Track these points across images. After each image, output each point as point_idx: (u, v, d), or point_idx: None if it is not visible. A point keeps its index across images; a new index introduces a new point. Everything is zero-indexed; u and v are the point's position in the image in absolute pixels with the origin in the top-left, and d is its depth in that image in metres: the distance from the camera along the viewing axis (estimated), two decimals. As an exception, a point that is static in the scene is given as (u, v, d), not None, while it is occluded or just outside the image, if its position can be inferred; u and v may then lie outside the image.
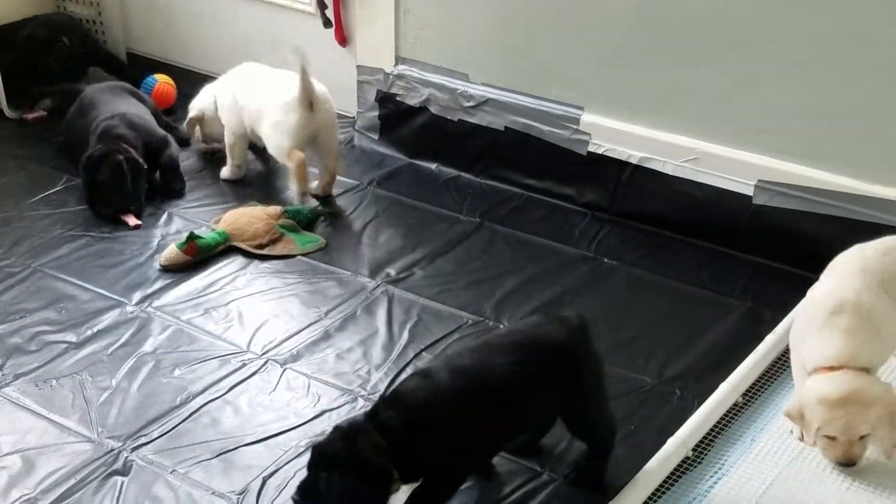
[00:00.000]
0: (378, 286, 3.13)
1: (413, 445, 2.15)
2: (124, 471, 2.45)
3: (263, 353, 2.85)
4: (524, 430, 2.38)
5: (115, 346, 2.86)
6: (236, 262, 3.25)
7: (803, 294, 2.58)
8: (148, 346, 2.86)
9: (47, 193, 3.55)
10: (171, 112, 4.08)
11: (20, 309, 2.99)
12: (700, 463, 2.42)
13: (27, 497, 2.36)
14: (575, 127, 3.44)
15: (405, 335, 2.93)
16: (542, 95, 3.50)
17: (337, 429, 2.16)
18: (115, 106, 3.62)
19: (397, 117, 3.83)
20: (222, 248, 3.28)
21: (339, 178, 3.71)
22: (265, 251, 3.29)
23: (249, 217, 3.37)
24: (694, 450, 2.44)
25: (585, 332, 2.31)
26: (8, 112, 4.02)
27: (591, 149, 3.43)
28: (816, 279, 2.55)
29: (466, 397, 2.19)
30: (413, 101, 3.76)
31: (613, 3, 3.26)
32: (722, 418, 2.53)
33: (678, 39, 3.19)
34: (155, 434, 2.56)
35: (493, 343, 2.30)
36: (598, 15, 3.30)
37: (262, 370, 2.79)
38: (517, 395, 2.21)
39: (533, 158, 3.56)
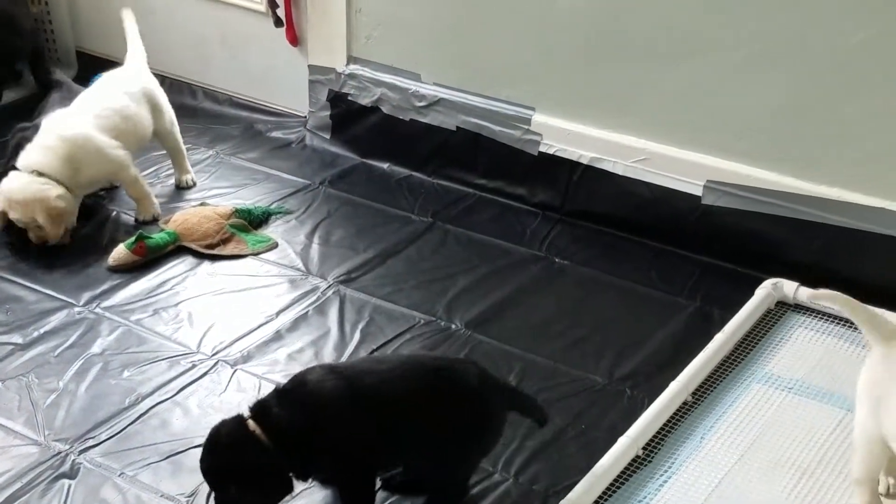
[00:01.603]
0: (330, 286, 3.13)
1: (305, 447, 2.15)
2: (71, 474, 2.42)
3: (214, 354, 2.84)
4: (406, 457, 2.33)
5: (62, 348, 2.83)
6: (186, 262, 3.23)
7: (751, 293, 2.61)
8: (96, 348, 2.84)
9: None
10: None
11: (-35, 311, 2.96)
12: (650, 462, 2.44)
13: (-29, 502, 2.34)
14: (526, 127, 3.46)
15: (357, 335, 2.92)
16: (493, 96, 3.51)
17: (216, 440, 2.16)
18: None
19: (349, 117, 3.82)
20: (172, 249, 3.25)
21: (290, 177, 3.70)
22: (215, 251, 3.27)
23: (199, 217, 3.35)
24: (644, 448, 2.46)
25: (491, 384, 2.32)
26: None
27: (543, 149, 3.44)
28: (764, 279, 2.58)
29: (362, 406, 2.19)
30: (365, 100, 3.75)
31: (564, 5, 3.28)
32: (672, 417, 2.55)
33: (629, 41, 3.21)
34: (103, 436, 2.54)
35: (405, 363, 2.33)
36: (549, 16, 3.32)
37: (212, 371, 2.78)
38: (409, 417, 2.21)
39: (484, 158, 3.57)
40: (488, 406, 2.28)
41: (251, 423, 2.15)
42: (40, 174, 3.18)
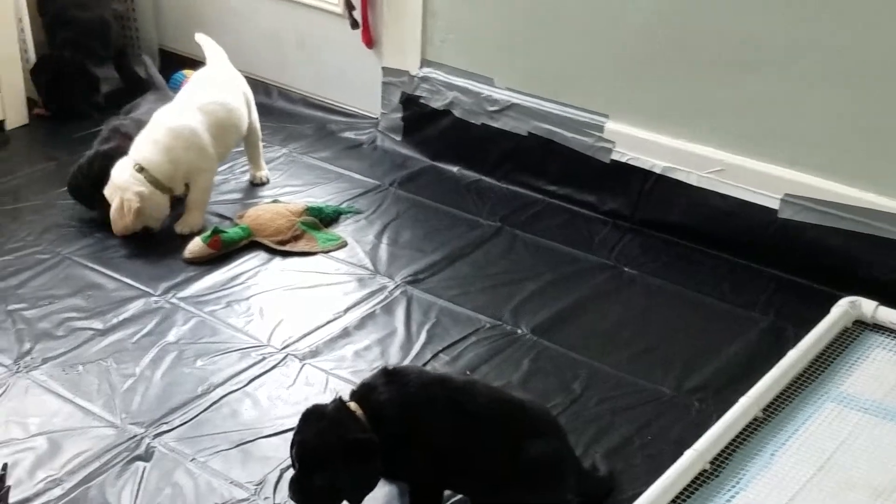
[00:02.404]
0: (397, 286, 3.17)
1: (398, 440, 2.19)
2: (146, 456, 2.49)
3: (283, 348, 2.89)
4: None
5: (139, 335, 2.90)
6: (259, 257, 3.29)
7: (826, 310, 2.57)
8: (171, 337, 2.90)
9: (75, 183, 3.58)
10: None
11: (49, 295, 3.03)
12: (717, 476, 2.42)
13: (52, 478, 2.41)
14: (599, 134, 3.47)
15: (423, 336, 2.96)
16: (566, 102, 3.53)
17: (316, 415, 2.19)
18: (144, 108, 3.65)
19: (421, 119, 3.86)
20: (245, 243, 3.31)
21: (361, 177, 3.75)
22: (287, 247, 3.32)
23: (272, 213, 3.41)
24: (712, 463, 2.44)
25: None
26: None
27: (615, 157, 3.45)
28: (841, 296, 2.53)
29: (459, 418, 2.24)
30: (437, 103, 3.79)
31: (640, 12, 3.29)
32: (741, 432, 2.52)
33: (705, 50, 3.21)
34: (176, 422, 2.60)
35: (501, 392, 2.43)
36: (624, 23, 3.33)
37: (281, 364, 2.83)
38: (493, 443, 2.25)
39: (555, 165, 3.59)
40: (562, 466, 2.31)
41: (353, 405, 2.20)
42: (142, 169, 3.25)
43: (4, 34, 3.81)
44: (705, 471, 2.43)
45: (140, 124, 3.42)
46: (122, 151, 3.34)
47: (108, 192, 3.26)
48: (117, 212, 3.23)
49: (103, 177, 3.30)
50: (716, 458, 2.45)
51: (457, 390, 2.29)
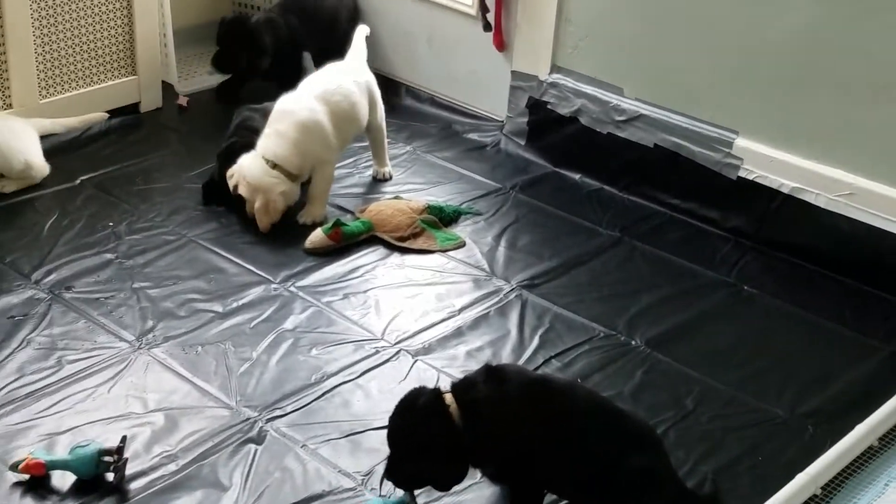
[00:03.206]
0: (512, 289, 3.16)
1: (495, 440, 2.19)
2: (258, 439, 2.54)
3: (397, 343, 2.91)
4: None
5: (257, 321, 2.95)
6: (377, 252, 3.32)
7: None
8: (288, 324, 2.95)
9: (204, 168, 3.66)
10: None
11: (174, 276, 3.12)
12: (828, 503, 2.37)
13: (168, 453, 2.47)
14: (727, 150, 3.41)
15: (536, 340, 2.95)
16: (695, 116, 3.48)
17: (410, 404, 2.22)
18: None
19: (546, 125, 3.86)
20: (365, 237, 3.35)
21: (482, 179, 3.76)
22: (406, 244, 3.35)
23: (393, 209, 3.44)
24: (823, 488, 2.39)
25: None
26: (178, 87, 4.16)
27: (742, 174, 3.39)
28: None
29: (560, 422, 2.22)
30: (564, 110, 3.78)
31: (781, 29, 3.23)
32: (855, 460, 2.47)
33: (845, 70, 3.13)
34: (289, 408, 2.64)
35: (606, 400, 2.38)
36: (761, 41, 3.27)
37: (394, 359, 2.85)
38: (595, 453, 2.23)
39: (680, 178, 3.55)
40: (659, 482, 2.27)
41: (448, 398, 2.21)
42: (274, 165, 3.31)
43: (146, 20, 3.93)
44: (816, 496, 2.38)
45: (265, 114, 3.49)
46: (249, 146, 3.39)
47: (246, 192, 3.32)
48: (263, 212, 3.30)
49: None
50: (828, 484, 2.40)
51: (556, 393, 2.27)
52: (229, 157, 3.41)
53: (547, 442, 2.22)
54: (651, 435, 2.34)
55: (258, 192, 3.30)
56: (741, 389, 2.79)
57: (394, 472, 2.24)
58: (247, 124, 3.53)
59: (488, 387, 2.23)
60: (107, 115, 3.84)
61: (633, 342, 2.96)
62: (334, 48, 3.91)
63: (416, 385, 2.68)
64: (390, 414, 2.26)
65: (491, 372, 2.28)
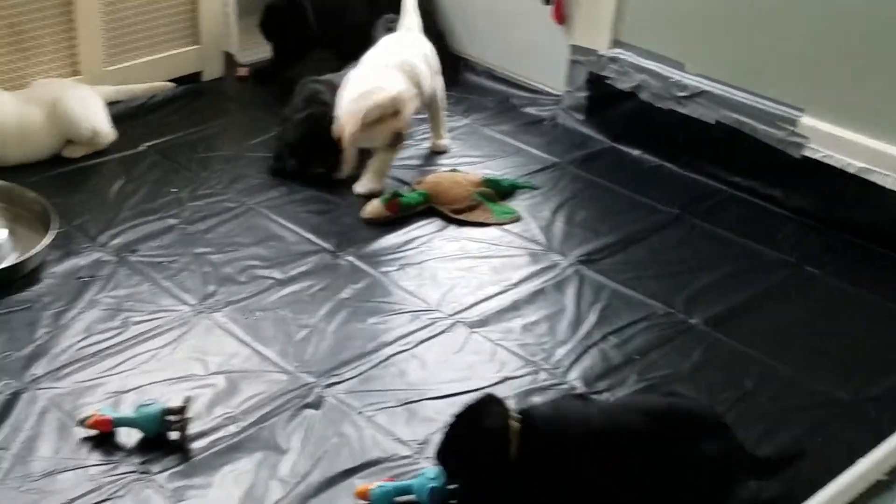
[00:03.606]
0: (570, 265, 3.16)
1: (554, 475, 2.19)
2: (316, 405, 2.56)
3: (452, 314, 2.92)
4: None
5: (315, 289, 2.98)
6: (434, 223, 3.33)
7: None
8: (346, 293, 2.97)
9: (266, 137, 3.69)
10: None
11: (234, 242, 3.15)
12: (893, 489, 2.34)
13: (229, 415, 2.51)
14: (792, 129, 3.37)
15: (592, 316, 2.94)
16: (760, 92, 3.44)
17: (475, 419, 2.22)
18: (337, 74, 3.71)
19: (605, 100, 3.83)
20: (422, 209, 3.36)
21: (539, 153, 3.75)
22: (462, 216, 3.35)
23: (450, 181, 3.45)
24: (889, 474, 2.36)
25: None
26: (239, 57, 4.17)
27: (807, 153, 3.34)
28: None
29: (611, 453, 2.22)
30: (624, 85, 3.75)
31: (845, 2, 3.17)
32: (921, 444, 2.44)
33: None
34: (346, 375, 2.67)
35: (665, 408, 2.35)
36: (829, 15, 3.22)
37: (449, 330, 2.86)
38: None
39: (742, 156, 3.51)
40: (732, 465, 2.27)
41: (514, 425, 2.21)
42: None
43: (210, -11, 3.96)
44: (881, 481, 2.35)
45: (333, 87, 3.50)
46: (325, 117, 3.41)
47: (384, 109, 3.28)
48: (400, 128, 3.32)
49: (309, 140, 3.43)
50: (893, 469, 2.37)
51: (616, 431, 2.25)
52: (312, 128, 3.42)
53: (614, 481, 2.22)
54: (714, 418, 2.34)
55: (400, 104, 3.30)
56: (802, 371, 2.76)
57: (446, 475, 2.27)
58: (318, 98, 3.53)
59: (557, 425, 2.24)
60: (171, 84, 3.88)
61: (692, 320, 2.94)
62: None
63: (472, 355, 2.74)
64: (453, 417, 2.26)
65: (558, 409, 2.30)
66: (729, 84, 3.51)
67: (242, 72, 4.12)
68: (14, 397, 2.51)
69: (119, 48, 3.79)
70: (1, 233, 3.01)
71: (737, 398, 2.66)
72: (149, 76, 3.86)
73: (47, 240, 2.97)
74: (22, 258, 2.93)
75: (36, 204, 3.14)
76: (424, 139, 3.79)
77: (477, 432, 2.22)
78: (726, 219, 3.42)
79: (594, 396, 2.61)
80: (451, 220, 3.34)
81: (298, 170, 3.48)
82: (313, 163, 3.47)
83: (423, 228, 3.30)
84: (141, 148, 3.58)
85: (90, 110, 3.50)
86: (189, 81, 4.00)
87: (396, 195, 3.32)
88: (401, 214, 3.32)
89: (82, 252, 3.04)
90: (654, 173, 3.67)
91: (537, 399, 2.61)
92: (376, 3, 4.02)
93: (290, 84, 3.73)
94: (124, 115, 3.71)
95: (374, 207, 3.31)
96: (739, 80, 3.48)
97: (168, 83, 3.88)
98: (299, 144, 3.48)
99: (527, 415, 2.26)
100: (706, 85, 3.56)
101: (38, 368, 2.60)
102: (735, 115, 3.49)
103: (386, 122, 3.30)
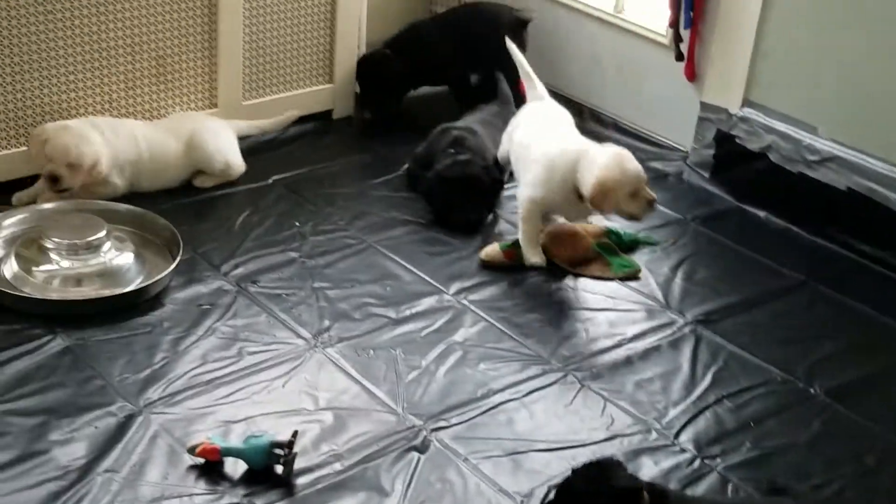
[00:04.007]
0: (687, 323, 3.11)
1: None
2: (422, 448, 2.56)
3: (565, 366, 2.90)
4: None
5: (428, 330, 2.99)
6: (551, 272, 3.30)
7: None
8: (458, 336, 2.98)
9: (389, 177, 3.75)
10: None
11: (352, 279, 3.19)
12: None
13: (334, 452, 2.53)
14: (926, 200, 3.28)
15: (708, 378, 2.89)
16: (894, 161, 3.35)
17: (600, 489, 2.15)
18: (474, 120, 3.78)
19: (733, 159, 3.77)
20: (540, 261, 3.35)
21: (663, 209, 3.70)
22: (579, 270, 3.32)
23: (570, 233, 3.42)
24: None
25: None
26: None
27: (941, 226, 3.25)
28: None
29: None
30: (753, 145, 3.69)
31: None
32: None
33: None
34: (454, 420, 2.66)
35: None
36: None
37: (560, 381, 2.84)
38: None
39: (873, 225, 3.41)
40: None
41: (645, 495, 2.15)
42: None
43: (347, 32, 4.04)
44: None
45: (473, 133, 3.58)
46: (474, 163, 3.48)
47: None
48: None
49: (460, 185, 3.45)
50: None
51: None
52: (462, 180, 3.45)
53: None
54: None
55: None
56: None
57: None
58: (467, 144, 3.58)
59: None
60: (297, 112, 3.96)
61: (812, 390, 2.86)
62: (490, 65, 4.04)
63: (582, 409, 2.70)
64: (573, 473, 2.21)
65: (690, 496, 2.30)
66: (862, 151, 3.42)
67: (367, 113, 4.18)
68: (128, 420, 2.57)
69: (256, 83, 3.90)
70: (127, 256, 3.11)
71: (857, 474, 2.57)
72: (283, 111, 3.95)
73: (172, 266, 3.06)
74: (147, 283, 3.02)
75: (165, 230, 3.24)
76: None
77: (609, 492, 2.15)
78: (853, 288, 3.31)
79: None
80: (568, 271, 3.31)
81: (444, 213, 3.50)
82: (463, 209, 3.47)
83: (540, 276, 3.29)
84: (269, 181, 3.67)
85: (224, 143, 3.60)
86: (320, 119, 4.08)
87: (516, 245, 3.31)
88: (518, 262, 3.30)
89: (205, 280, 3.12)
90: (779, 236, 3.59)
91: (647, 460, 2.56)
92: (459, 53, 4.10)
93: (417, 128, 3.81)
94: (255, 148, 3.80)
95: (492, 250, 3.32)
96: (873, 148, 3.40)
97: (294, 112, 3.95)
98: (453, 188, 3.47)
99: (658, 489, 2.21)
100: (839, 150, 3.47)
101: (154, 393, 2.67)
102: (867, 183, 3.40)
103: (642, 189, 3.20)
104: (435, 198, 3.52)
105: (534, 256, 3.28)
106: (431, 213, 3.52)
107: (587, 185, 3.15)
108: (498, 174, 3.59)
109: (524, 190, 3.33)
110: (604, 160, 3.16)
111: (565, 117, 3.56)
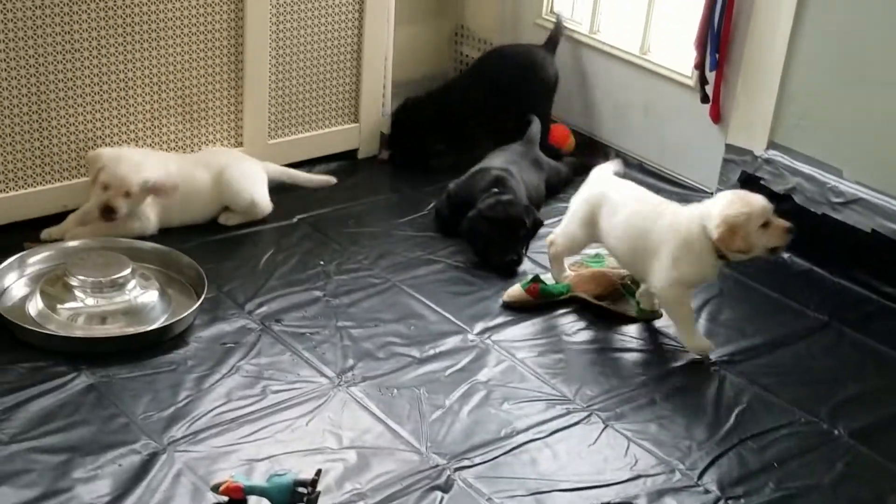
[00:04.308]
0: (711, 364, 3.10)
1: None
2: (445, 488, 2.56)
3: (589, 406, 2.90)
4: None
5: (452, 370, 3.00)
6: (574, 313, 3.31)
7: None
8: (482, 376, 2.98)
9: (414, 216, 3.78)
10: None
11: (376, 318, 3.20)
12: None
13: (357, 491, 2.53)
14: (950, 242, 3.27)
15: (732, 419, 2.88)
16: (919, 204, 3.36)
17: None
18: (505, 160, 3.80)
19: (758, 201, 3.78)
20: (564, 298, 3.35)
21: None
22: (603, 303, 3.32)
23: (594, 273, 3.43)
24: None
25: None
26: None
27: (965, 269, 3.24)
28: None
29: None
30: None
31: None
32: None
33: None
34: (477, 460, 2.66)
35: None
36: None
37: (584, 421, 2.84)
38: None
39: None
40: None
41: None
42: None
43: (373, 73, 4.09)
44: None
45: (510, 173, 3.64)
46: (516, 203, 3.52)
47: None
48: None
49: (504, 225, 3.47)
50: None
51: None
52: (506, 221, 3.47)
53: None
54: None
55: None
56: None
57: None
58: (508, 184, 3.61)
59: None
60: (334, 179, 3.95)
61: (836, 431, 2.85)
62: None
63: (606, 449, 2.71)
64: None
65: None
66: (887, 193, 3.42)
67: (384, 155, 4.21)
68: (152, 458, 2.58)
69: (282, 122, 3.95)
70: (152, 295, 3.13)
71: (880, 517, 2.55)
72: (308, 151, 4.00)
73: (197, 305, 3.09)
74: (171, 321, 3.05)
75: (190, 269, 3.27)
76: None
77: None
78: (878, 330, 3.30)
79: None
80: (591, 310, 3.31)
81: (485, 253, 3.52)
82: (504, 249, 3.49)
83: (563, 317, 3.30)
84: (294, 220, 3.70)
85: (252, 182, 3.64)
86: (345, 158, 4.12)
87: (537, 279, 3.32)
88: (541, 301, 3.32)
89: (229, 318, 3.14)
90: (804, 277, 3.58)
91: (671, 500, 2.55)
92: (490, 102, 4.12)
93: (443, 169, 3.89)
94: (280, 187, 3.82)
95: (514, 291, 3.33)
96: (898, 190, 3.40)
97: (331, 178, 3.96)
98: (496, 228, 3.48)
99: None
100: (863, 192, 3.47)
101: (178, 431, 2.68)
102: (892, 225, 3.39)
103: (773, 219, 3.04)
104: (477, 237, 3.53)
105: (700, 341, 3.13)
106: (470, 253, 3.54)
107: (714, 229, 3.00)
108: (537, 214, 3.60)
109: (665, 274, 3.08)
110: (723, 200, 3.04)
111: (642, 190, 3.35)
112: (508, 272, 3.46)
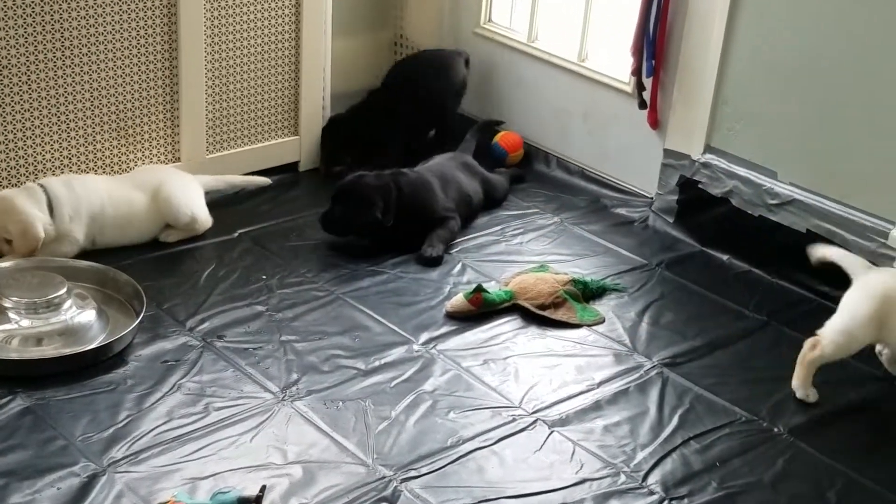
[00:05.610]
0: (653, 367, 3.13)
1: None
2: (392, 499, 2.56)
3: (534, 412, 2.91)
4: None
5: (398, 381, 3.00)
6: (518, 320, 3.33)
7: None
8: (428, 386, 2.98)
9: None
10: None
11: (320, 331, 3.19)
12: None
13: (303, 506, 2.52)
14: (883, 241, 3.32)
15: (675, 420, 2.91)
16: (851, 203, 3.41)
17: None
18: (431, 166, 3.85)
19: (696, 204, 3.82)
20: (506, 306, 3.36)
21: (628, 254, 3.74)
22: (546, 313, 3.34)
23: (536, 279, 3.45)
24: None
25: None
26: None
27: (898, 265, 3.30)
28: None
29: None
30: (715, 190, 3.74)
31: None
32: None
33: None
34: (424, 470, 2.66)
35: None
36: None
37: (530, 428, 2.85)
38: None
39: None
40: None
41: None
42: None
43: (312, 85, 4.08)
44: None
45: (420, 177, 3.68)
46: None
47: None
48: None
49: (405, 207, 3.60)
50: None
51: None
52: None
53: None
54: None
55: None
56: (889, 487, 2.69)
57: None
58: (402, 180, 3.69)
59: None
60: (269, 180, 3.96)
61: (776, 429, 2.89)
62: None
63: (552, 454, 2.72)
64: None
65: None
66: (821, 194, 3.49)
67: (337, 168, 4.18)
68: (91, 480, 2.54)
69: (220, 137, 3.92)
70: (89, 314, 3.09)
71: (820, 512, 2.59)
72: (248, 165, 3.98)
73: (136, 323, 3.05)
74: (109, 340, 3.00)
75: (128, 286, 3.23)
76: (514, 235, 3.82)
77: None
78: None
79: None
80: (534, 318, 3.33)
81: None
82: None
83: (507, 325, 3.31)
84: (235, 234, 3.67)
85: (190, 197, 3.61)
86: (286, 171, 4.10)
87: (480, 289, 3.33)
88: (484, 310, 3.33)
89: (170, 336, 3.11)
90: (742, 279, 3.63)
91: (616, 503, 2.57)
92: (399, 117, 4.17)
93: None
94: (220, 201, 3.81)
95: (457, 301, 3.33)
96: (832, 191, 3.46)
97: (265, 179, 3.97)
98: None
99: None
100: (798, 193, 3.53)
101: (118, 451, 2.64)
102: (826, 225, 3.45)
103: None
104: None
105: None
106: (414, 264, 3.58)
107: None
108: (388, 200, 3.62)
109: None
110: None
111: None
112: (429, 265, 3.55)
